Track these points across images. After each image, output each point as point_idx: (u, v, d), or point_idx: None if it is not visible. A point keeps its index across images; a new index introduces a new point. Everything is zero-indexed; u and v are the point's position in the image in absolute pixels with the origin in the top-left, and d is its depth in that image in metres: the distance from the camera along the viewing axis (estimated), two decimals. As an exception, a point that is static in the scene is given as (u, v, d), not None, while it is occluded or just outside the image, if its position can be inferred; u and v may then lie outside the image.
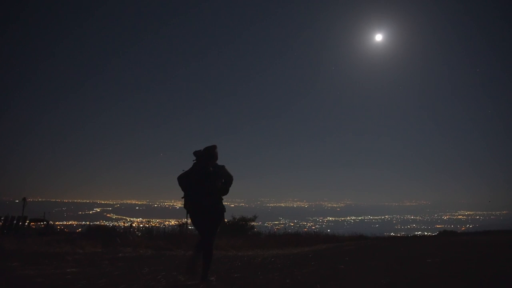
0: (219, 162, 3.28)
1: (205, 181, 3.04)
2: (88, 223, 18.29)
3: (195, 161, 3.21)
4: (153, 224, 14.19)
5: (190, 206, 3.07)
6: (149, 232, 9.11)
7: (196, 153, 3.23)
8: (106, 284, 2.95)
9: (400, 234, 26.98)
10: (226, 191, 3.18)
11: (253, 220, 13.77)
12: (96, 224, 13.91)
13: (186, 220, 3.16)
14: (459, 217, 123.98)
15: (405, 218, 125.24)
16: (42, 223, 12.37)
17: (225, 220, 3.21)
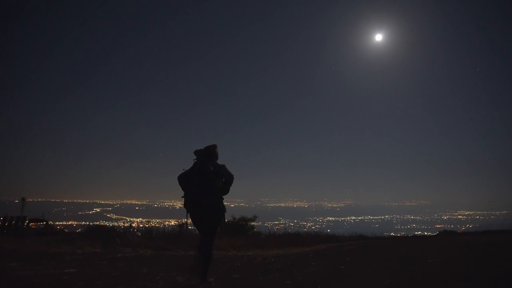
0: (219, 162, 3.26)
1: (205, 181, 3.01)
2: (88, 223, 18.28)
3: (195, 160, 3.18)
4: (153, 224, 14.16)
5: (190, 206, 3.04)
6: (149, 232, 9.09)
7: (196, 152, 3.21)
8: (104, 284, 2.93)
9: (400, 234, 26.97)
10: (226, 191, 3.15)
11: (253, 220, 13.75)
12: (96, 224, 13.88)
13: (186, 220, 3.12)
14: (459, 217, 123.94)
15: (405, 218, 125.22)
16: (41, 223, 12.36)
17: (225, 220, 3.17)
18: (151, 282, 3.10)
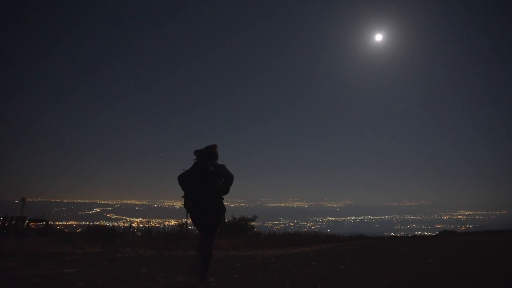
0: (220, 161, 3.26)
1: (206, 181, 3.01)
2: (88, 223, 18.27)
3: (195, 160, 3.18)
4: (153, 224, 14.15)
5: (190, 206, 3.04)
6: (149, 232, 9.09)
7: (196, 152, 3.21)
8: (104, 284, 2.93)
9: (400, 234, 26.97)
10: (227, 191, 3.16)
11: (253, 220, 13.75)
12: (96, 224, 13.87)
13: (186, 220, 3.12)
14: (459, 217, 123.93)
15: (405, 218, 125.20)
16: (41, 223, 12.36)
17: (225, 220, 3.17)
18: (151, 282, 3.10)
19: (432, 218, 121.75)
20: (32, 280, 3.04)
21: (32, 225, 11.50)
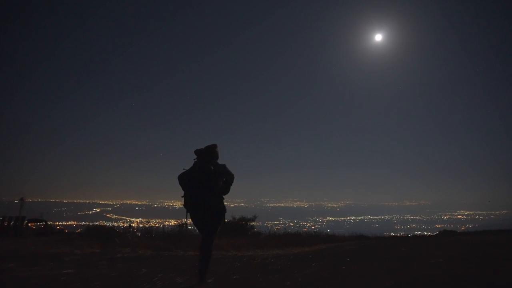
0: (220, 161, 3.25)
1: (206, 180, 2.99)
2: (87, 223, 18.24)
3: (196, 160, 3.16)
4: (153, 224, 14.12)
5: (190, 206, 3.02)
6: (148, 232, 9.06)
7: (197, 152, 3.19)
8: (101, 286, 2.89)
9: (400, 234, 26.98)
10: (227, 190, 3.14)
11: (253, 220, 13.73)
12: (95, 225, 13.85)
13: (186, 220, 3.10)
14: (458, 216, 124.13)
15: (405, 218, 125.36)
16: (41, 223, 12.33)
17: (225, 220, 3.15)
18: (149, 283, 3.07)
19: (432, 218, 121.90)
20: (29, 281, 3.01)
21: (31, 225, 11.48)
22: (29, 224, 10.82)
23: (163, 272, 3.73)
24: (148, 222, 14.01)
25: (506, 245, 7.87)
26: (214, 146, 3.22)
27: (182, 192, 3.08)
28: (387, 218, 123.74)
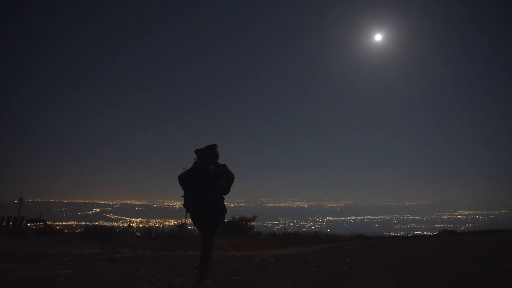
0: (220, 161, 3.23)
1: (206, 180, 2.97)
2: (87, 223, 18.21)
3: (196, 160, 3.14)
4: (153, 224, 14.11)
5: (190, 206, 2.99)
6: (148, 232, 9.02)
7: (197, 152, 3.17)
8: (99, 286, 2.87)
9: (400, 234, 26.97)
10: (227, 190, 3.13)
11: (253, 220, 13.70)
12: (95, 225, 13.82)
13: (185, 220, 3.07)
14: (458, 216, 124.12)
15: (405, 217, 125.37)
16: (40, 223, 12.30)
17: (225, 220, 3.13)
18: (148, 284, 3.04)
19: (431, 217, 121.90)
20: (27, 282, 2.98)
21: (31, 225, 11.45)
22: (28, 224, 10.78)
23: (162, 272, 3.70)
24: (148, 222, 14.01)
25: (506, 245, 7.84)
26: (214, 146, 3.20)
27: (182, 192, 3.06)
28: (387, 218, 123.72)
